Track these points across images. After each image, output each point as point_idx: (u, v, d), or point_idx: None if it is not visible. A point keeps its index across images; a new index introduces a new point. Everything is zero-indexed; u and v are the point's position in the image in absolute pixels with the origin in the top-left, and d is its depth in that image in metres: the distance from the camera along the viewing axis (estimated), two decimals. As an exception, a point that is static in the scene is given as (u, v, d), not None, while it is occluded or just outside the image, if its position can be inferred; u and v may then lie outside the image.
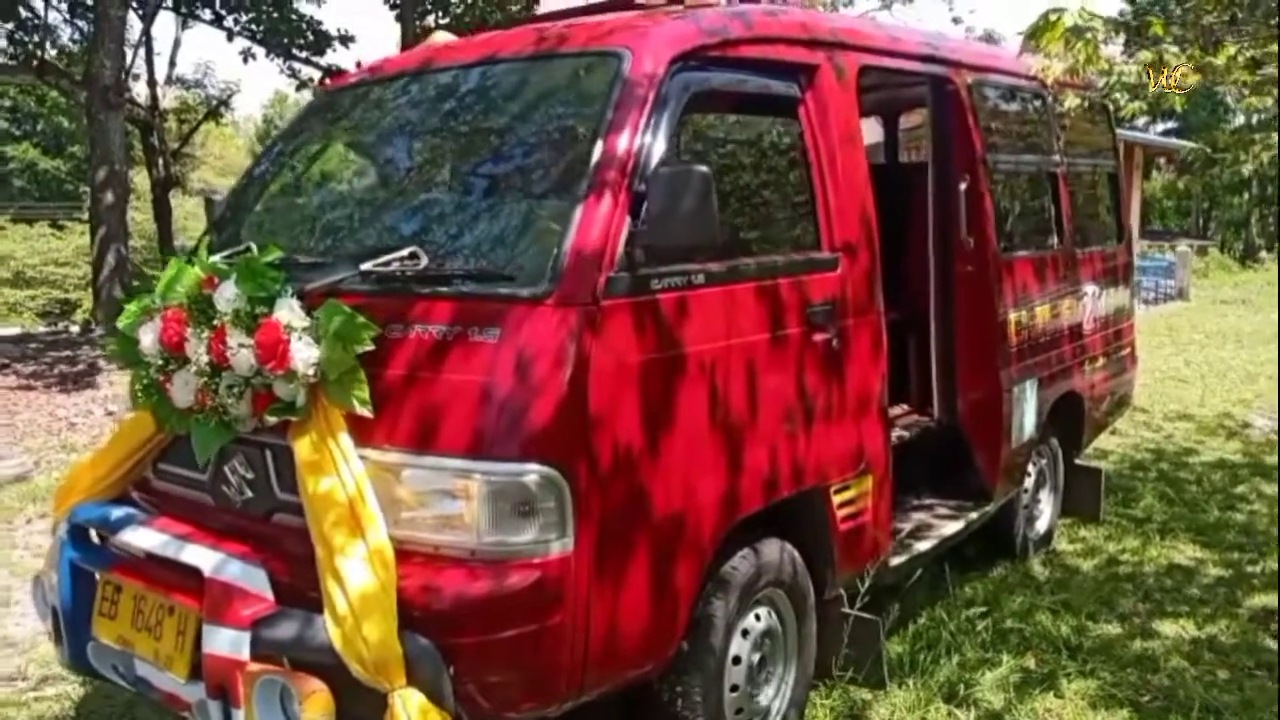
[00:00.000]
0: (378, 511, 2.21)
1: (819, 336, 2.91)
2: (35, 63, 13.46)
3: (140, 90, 17.74)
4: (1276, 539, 4.61)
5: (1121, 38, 3.66)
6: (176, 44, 22.03)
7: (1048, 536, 4.56)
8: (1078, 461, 4.84)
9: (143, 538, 2.44)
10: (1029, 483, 4.36)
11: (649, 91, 2.52)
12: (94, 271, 12.71)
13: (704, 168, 2.35)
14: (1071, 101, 4.04)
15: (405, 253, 2.44)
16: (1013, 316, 3.93)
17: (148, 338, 2.51)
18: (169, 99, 19.71)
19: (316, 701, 2.07)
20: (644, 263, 2.41)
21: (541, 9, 3.42)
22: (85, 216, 27.70)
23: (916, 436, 3.83)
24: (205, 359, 2.37)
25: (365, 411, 2.30)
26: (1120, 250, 5.08)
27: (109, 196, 12.33)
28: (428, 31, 15.95)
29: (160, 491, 2.74)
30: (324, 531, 2.18)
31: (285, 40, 16.03)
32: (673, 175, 2.34)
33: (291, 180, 3.23)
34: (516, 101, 2.76)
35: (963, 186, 3.75)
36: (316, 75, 16.24)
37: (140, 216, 22.11)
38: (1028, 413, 4.02)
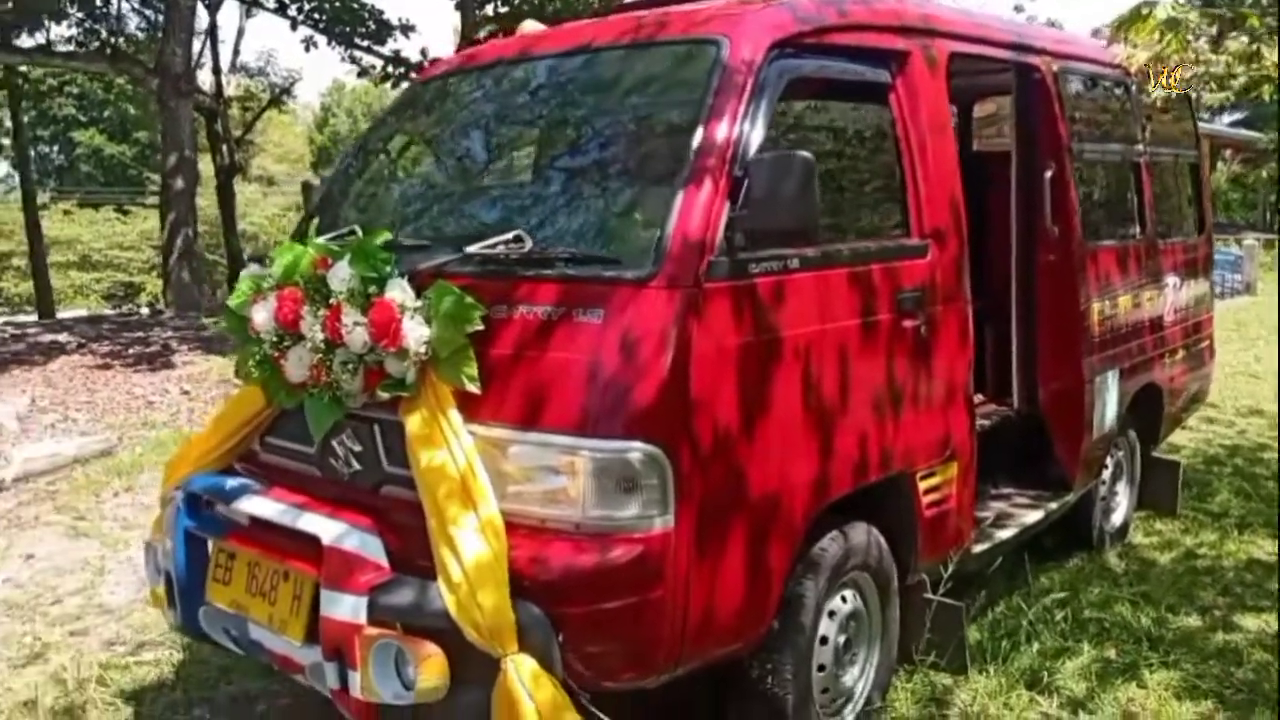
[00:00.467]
0: (488, 484, 2.28)
1: (908, 323, 2.93)
2: (108, 51, 13.77)
3: (205, 78, 18.12)
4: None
5: (1211, 29, 3.61)
6: (240, 33, 22.54)
7: (1124, 529, 4.53)
8: (1154, 454, 4.79)
9: (260, 506, 2.54)
10: (1106, 474, 4.34)
11: (748, 78, 2.55)
12: (164, 256, 13.06)
13: (807, 153, 2.38)
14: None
15: (510, 236, 2.51)
16: (1096, 306, 3.90)
17: (261, 315, 2.61)
18: (232, 87, 20.11)
19: (432, 665, 2.15)
20: (743, 247, 2.45)
21: (628, -2, 3.46)
22: (149, 201, 28.45)
23: (995, 425, 3.83)
24: (320, 336, 2.46)
25: (474, 388, 2.37)
26: (1201, 241, 5.02)
27: (179, 182, 12.66)
28: (487, 20, 16.10)
29: (266, 464, 2.84)
30: (437, 503, 2.26)
31: (347, 29, 16.23)
32: (776, 160, 2.38)
33: (389, 166, 3.32)
34: (615, 88, 2.81)
35: (1048, 175, 3.74)
36: (378, 64, 16.46)
37: (202, 202, 22.59)
38: (1109, 403, 4.00)
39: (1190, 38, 3.55)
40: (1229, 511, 4.96)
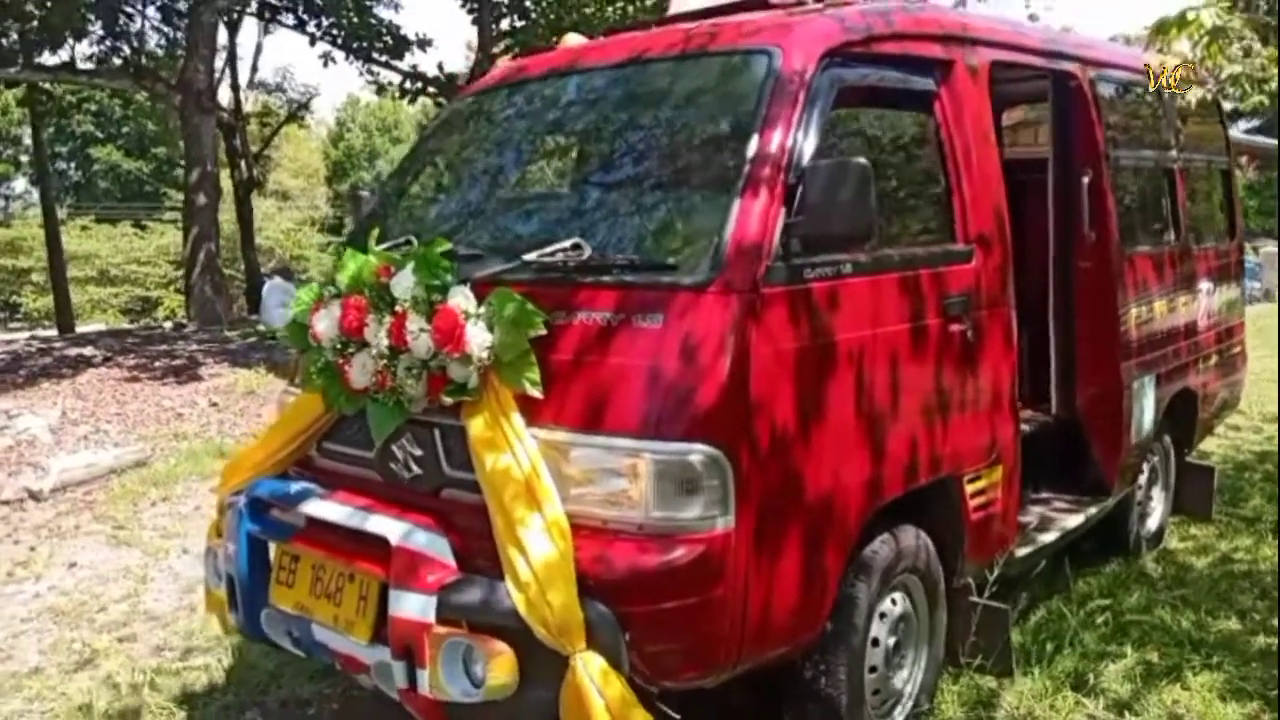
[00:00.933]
0: (552, 486, 2.32)
1: (955, 327, 2.97)
2: (132, 68, 13.93)
3: (224, 94, 18.29)
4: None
5: (1253, 36, 3.65)
6: (258, 49, 22.63)
7: (1159, 534, 4.55)
8: (1188, 459, 4.81)
9: (326, 509, 2.59)
10: (1142, 480, 4.35)
11: (800, 87, 2.60)
12: (186, 270, 13.17)
13: (863, 160, 2.43)
14: (1194, 94, 4.03)
15: (568, 244, 2.55)
16: (1133, 312, 3.93)
17: (324, 323, 2.66)
18: (250, 103, 20.30)
19: (502, 663, 2.19)
20: (798, 252, 2.50)
21: (672, 9, 3.51)
22: (166, 217, 28.70)
23: (1034, 431, 3.85)
24: (385, 342, 2.51)
25: (536, 392, 2.41)
26: (1232, 247, 5.04)
27: (201, 198, 12.78)
28: (503, 35, 16.22)
29: (323, 469, 2.89)
30: (503, 504, 2.30)
31: (365, 44, 16.37)
32: (834, 167, 2.42)
33: (440, 176, 3.37)
34: (668, 98, 2.86)
35: (1085, 181, 3.77)
36: (395, 79, 16.60)
37: (220, 217, 22.77)
38: (1146, 408, 4.02)
39: (1228, 44, 3.58)
40: (1262, 516, 4.97)
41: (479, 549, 2.39)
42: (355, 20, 16.14)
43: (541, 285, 2.55)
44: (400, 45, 16.26)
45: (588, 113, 3.06)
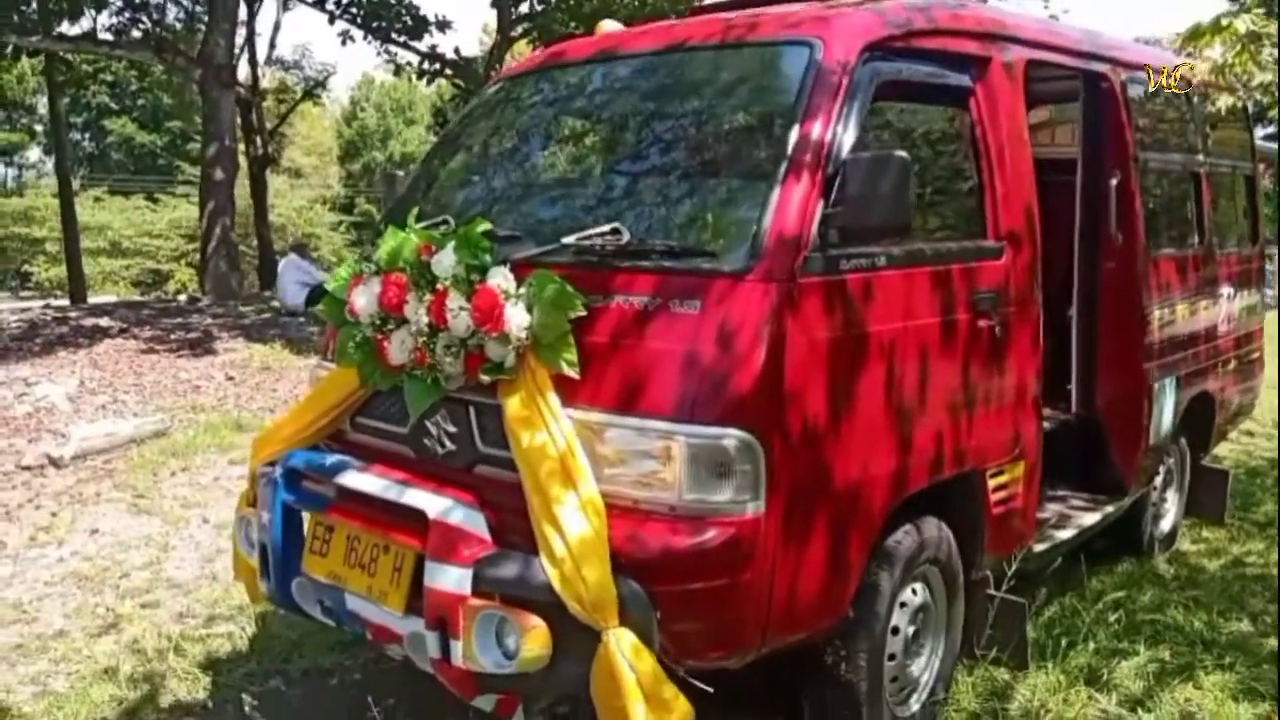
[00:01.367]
0: (587, 465, 2.36)
1: (983, 323, 3.00)
2: (154, 40, 13.95)
3: (241, 70, 18.30)
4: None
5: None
6: (277, 26, 22.66)
7: (1172, 535, 4.58)
8: (1203, 463, 4.84)
9: (363, 482, 2.63)
10: (1157, 481, 4.38)
11: (842, 79, 2.63)
12: (202, 244, 13.22)
13: (904, 153, 2.45)
14: (1224, 101, 4.05)
15: (608, 228, 2.58)
16: (1156, 314, 3.95)
17: (363, 299, 2.70)
18: (268, 79, 20.30)
19: (536, 636, 2.23)
20: (835, 243, 2.53)
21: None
22: (178, 191, 28.75)
23: (1053, 429, 3.88)
24: (425, 320, 2.54)
25: (573, 373, 2.45)
26: (1254, 253, 5.06)
27: (218, 172, 12.81)
28: (522, 19, 16.19)
29: (355, 443, 2.93)
30: (538, 481, 2.34)
31: (384, 24, 16.35)
32: (875, 160, 2.45)
33: (475, 159, 3.40)
34: (708, 86, 2.89)
35: (1114, 182, 3.79)
36: (414, 59, 16.59)
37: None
38: (1166, 410, 4.05)
39: (1258, 50, 3.60)
40: (1274, 522, 5.00)
41: (511, 524, 2.43)
42: (375, -1, 16.12)
43: (579, 268, 2.58)
44: (419, 26, 16.21)
45: (627, 99, 3.08)
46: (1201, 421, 4.59)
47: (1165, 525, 4.55)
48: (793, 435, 2.42)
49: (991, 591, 3.23)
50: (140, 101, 32.59)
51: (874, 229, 2.52)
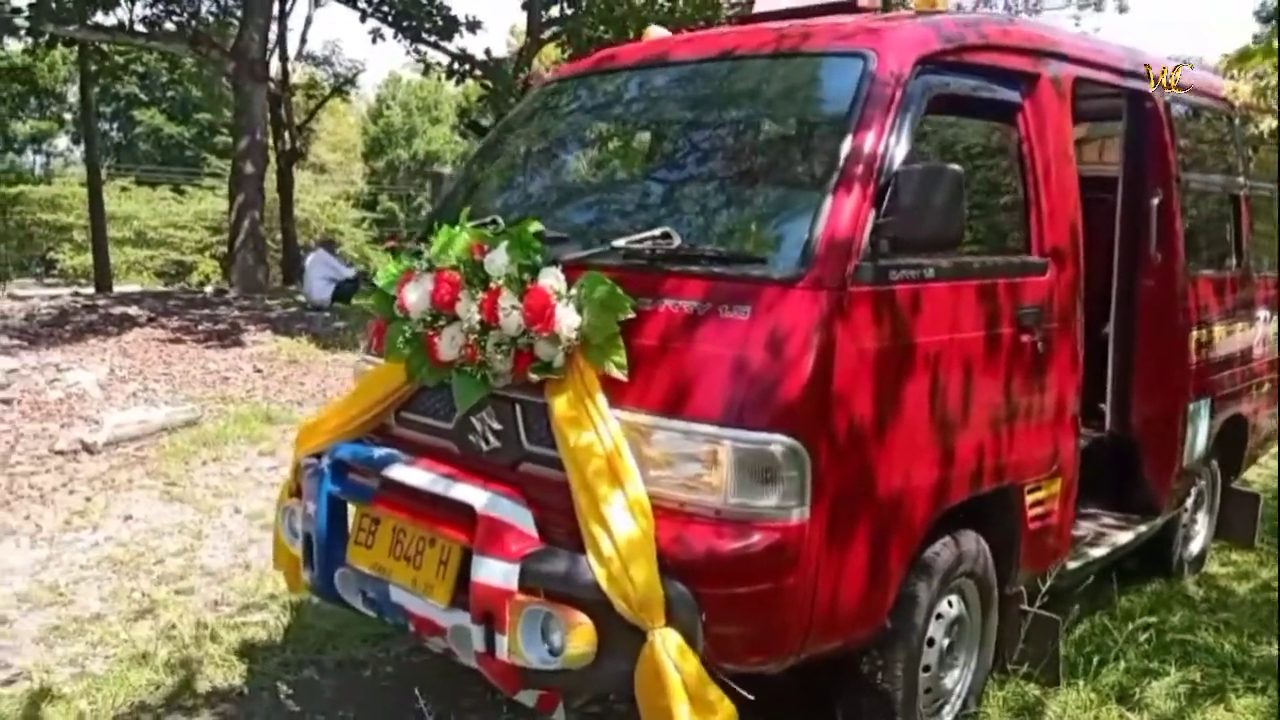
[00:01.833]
0: (634, 465, 2.38)
1: (1026, 338, 3.01)
2: (189, 33, 14.07)
3: (272, 65, 18.42)
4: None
5: None
6: (308, 22, 22.77)
7: (1201, 557, 4.57)
8: (1234, 485, 4.82)
9: (411, 475, 2.66)
10: (1189, 503, 4.37)
11: (895, 91, 2.65)
12: (230, 237, 13.31)
13: (957, 167, 2.47)
14: (1268, 123, 4.04)
15: (658, 232, 2.61)
16: (1193, 335, 3.95)
17: (414, 295, 2.73)
18: (297, 75, 20.45)
19: (583, 633, 2.26)
20: (885, 253, 2.55)
21: (758, 7, 3.56)
22: (205, 183, 28.93)
23: (1086, 446, 3.87)
24: (477, 317, 2.57)
25: (621, 375, 2.47)
26: (1290, 277, 5.04)
27: (248, 166, 12.91)
28: (552, 22, 16.26)
29: (399, 437, 2.96)
30: (586, 480, 2.36)
31: (415, 23, 16.44)
32: (928, 172, 2.47)
33: (523, 160, 3.43)
34: (759, 95, 2.92)
35: (1155, 201, 3.79)
36: (443, 60, 16.67)
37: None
38: (1200, 432, 4.05)
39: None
40: (1304, 547, 4.97)
41: (555, 522, 2.46)
42: (408, -2, 16.22)
43: (628, 271, 2.60)
44: (450, 26, 16.30)
45: (677, 104, 3.11)
46: (1234, 444, 4.57)
47: (1195, 547, 4.54)
48: (839, 443, 2.44)
49: (1025, 607, 3.23)
50: (169, 93, 32.86)
51: (926, 241, 2.53)
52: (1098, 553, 3.62)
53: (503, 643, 2.34)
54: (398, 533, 2.66)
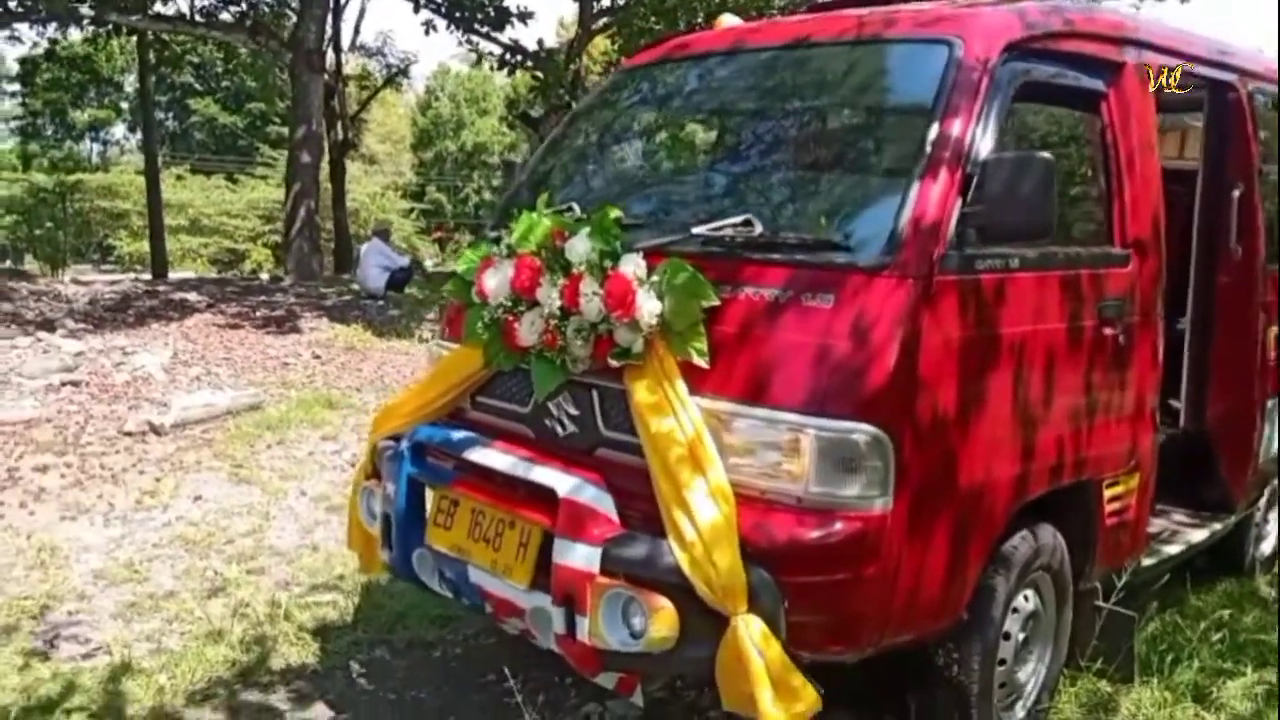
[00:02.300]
0: (715, 452, 2.38)
1: (1108, 330, 2.96)
2: (248, 23, 14.27)
3: (327, 57, 18.63)
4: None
5: None
6: (362, 13, 23.01)
7: (1273, 558, 4.48)
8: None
9: (492, 458, 2.68)
10: (1261, 502, 4.29)
11: (982, 77, 2.62)
12: (286, 225, 13.50)
13: (1048, 155, 2.44)
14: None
15: (739, 219, 2.61)
16: (1271, 331, 3.87)
17: (494, 281, 2.75)
18: (350, 66, 20.66)
19: (665, 617, 2.27)
20: (971, 242, 2.52)
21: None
22: (257, 172, 29.38)
23: (1161, 443, 3.81)
24: (558, 303, 2.59)
25: (703, 362, 2.48)
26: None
27: (305, 155, 13.07)
28: (604, 13, 16.25)
29: (475, 421, 2.98)
30: (668, 466, 2.37)
31: (467, 14, 16.51)
32: (1018, 160, 2.44)
33: (597, 147, 3.44)
34: (841, 82, 2.90)
35: (1236, 194, 3.71)
36: (495, 50, 16.73)
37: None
38: (1276, 429, 3.96)
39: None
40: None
41: (632, 506, 2.47)
42: (460, -12, 16.28)
43: (707, 258, 2.60)
44: (502, 17, 16.33)
45: (755, 92, 3.10)
46: (1310, 443, 4.47)
47: (1266, 547, 4.45)
48: (922, 433, 2.42)
49: (1100, 603, 3.19)
50: (224, 84, 33.37)
51: (1014, 230, 2.50)
52: (1172, 550, 3.56)
53: (584, 625, 2.35)
54: (477, 514, 2.69)
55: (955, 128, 2.53)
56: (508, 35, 16.51)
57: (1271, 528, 4.51)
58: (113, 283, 12.46)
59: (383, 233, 11.88)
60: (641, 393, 2.50)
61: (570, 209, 2.91)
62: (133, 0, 13.19)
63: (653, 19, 15.46)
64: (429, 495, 2.86)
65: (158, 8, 14.30)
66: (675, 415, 2.43)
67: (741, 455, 2.41)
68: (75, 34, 17.63)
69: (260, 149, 30.26)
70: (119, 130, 37.84)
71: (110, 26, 13.74)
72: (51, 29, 15.69)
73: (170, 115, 36.03)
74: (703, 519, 2.29)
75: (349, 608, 3.75)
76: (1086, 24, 3.04)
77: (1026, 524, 2.82)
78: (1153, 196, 3.15)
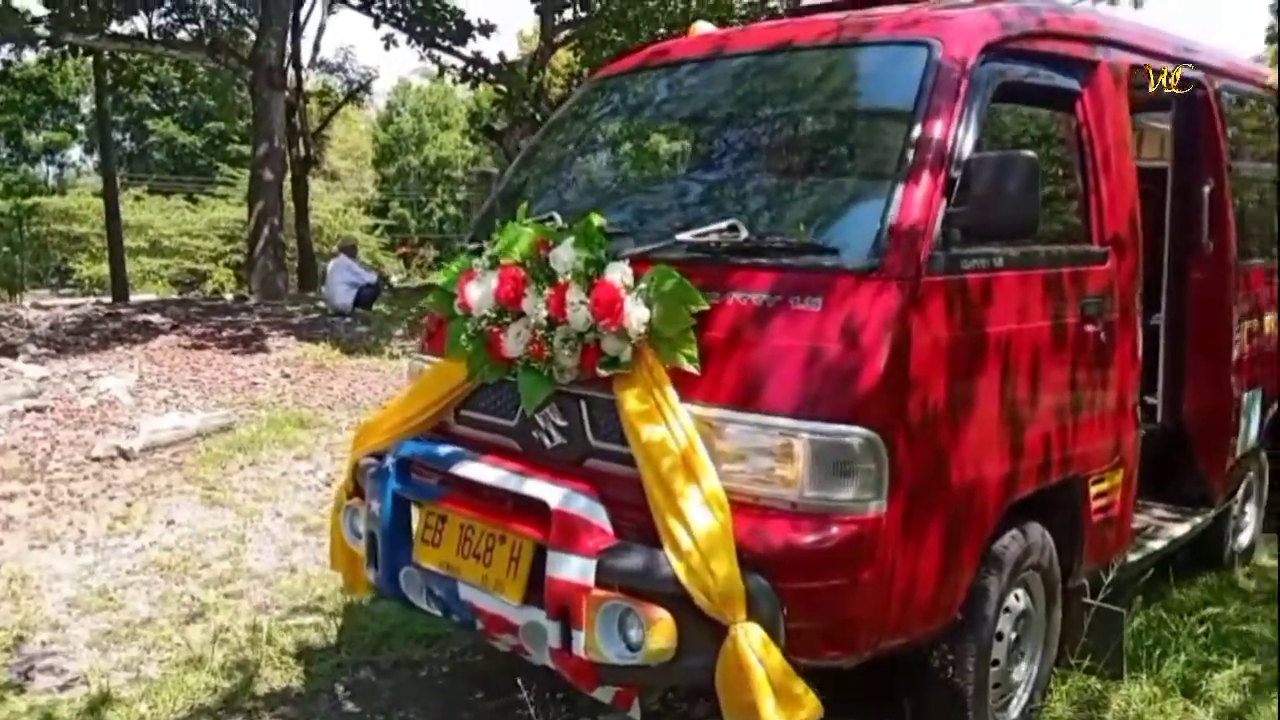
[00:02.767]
0: (708, 459, 2.36)
1: (1090, 328, 2.98)
2: (207, 41, 14.12)
3: (287, 73, 18.47)
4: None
5: None
6: (322, 29, 22.81)
7: (1250, 549, 4.53)
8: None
9: (480, 472, 2.64)
10: (1238, 494, 4.34)
11: (962, 79, 2.63)
12: (249, 244, 13.34)
13: (1031, 154, 2.45)
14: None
15: (724, 225, 2.59)
16: (1245, 325, 3.92)
17: (477, 293, 2.71)
18: (311, 82, 20.50)
19: (662, 628, 2.23)
20: (957, 242, 2.52)
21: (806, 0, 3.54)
22: (218, 191, 29.01)
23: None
24: (543, 313, 2.56)
25: (693, 369, 2.45)
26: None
27: (267, 173, 12.94)
28: (565, 25, 16.26)
29: (460, 435, 2.94)
30: (660, 475, 2.34)
31: (428, 28, 16.44)
32: (1002, 159, 2.45)
33: (574, 157, 3.42)
34: (822, 85, 2.90)
35: (1206, 191, 3.76)
36: (457, 64, 16.67)
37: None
38: (1252, 422, 4.01)
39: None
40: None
41: (624, 517, 2.44)
42: (420, 3, 16.22)
43: (692, 265, 2.58)
44: (463, 31, 16.28)
45: (736, 97, 3.09)
46: (1282, 435, 4.53)
47: (1244, 539, 4.50)
48: (915, 434, 2.41)
49: (1088, 600, 3.20)
50: (182, 103, 32.97)
51: (1001, 229, 2.51)
52: (1156, 545, 3.59)
53: (579, 639, 2.31)
54: (465, 530, 2.64)
55: (937, 129, 2.54)
56: (470, 49, 16.49)
57: (1249, 519, 4.56)
58: (73, 306, 12.25)
59: (349, 249, 11.77)
60: (631, 402, 2.47)
61: (552, 218, 2.89)
62: (89, 20, 13.00)
63: (614, 31, 15.48)
64: (415, 512, 2.81)
65: (114, 27, 14.13)
66: (666, 423, 2.41)
67: (734, 462, 2.39)
68: (30, 55, 17.40)
69: (220, 168, 29.91)
70: (75, 152, 37.24)
71: (66, 47, 13.48)
72: (5, 50, 15.45)
73: (128, 136, 35.50)
74: (698, 527, 2.26)
75: (331, 629, 3.68)
76: (1061, 24, 3.07)
77: (1016, 523, 2.82)
78: (1128, 194, 3.19)
